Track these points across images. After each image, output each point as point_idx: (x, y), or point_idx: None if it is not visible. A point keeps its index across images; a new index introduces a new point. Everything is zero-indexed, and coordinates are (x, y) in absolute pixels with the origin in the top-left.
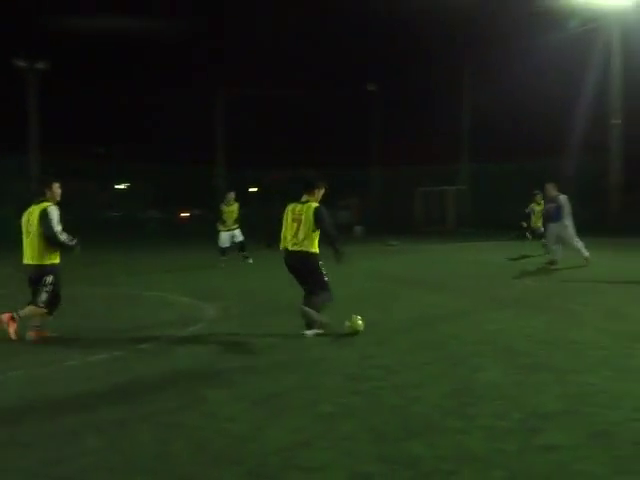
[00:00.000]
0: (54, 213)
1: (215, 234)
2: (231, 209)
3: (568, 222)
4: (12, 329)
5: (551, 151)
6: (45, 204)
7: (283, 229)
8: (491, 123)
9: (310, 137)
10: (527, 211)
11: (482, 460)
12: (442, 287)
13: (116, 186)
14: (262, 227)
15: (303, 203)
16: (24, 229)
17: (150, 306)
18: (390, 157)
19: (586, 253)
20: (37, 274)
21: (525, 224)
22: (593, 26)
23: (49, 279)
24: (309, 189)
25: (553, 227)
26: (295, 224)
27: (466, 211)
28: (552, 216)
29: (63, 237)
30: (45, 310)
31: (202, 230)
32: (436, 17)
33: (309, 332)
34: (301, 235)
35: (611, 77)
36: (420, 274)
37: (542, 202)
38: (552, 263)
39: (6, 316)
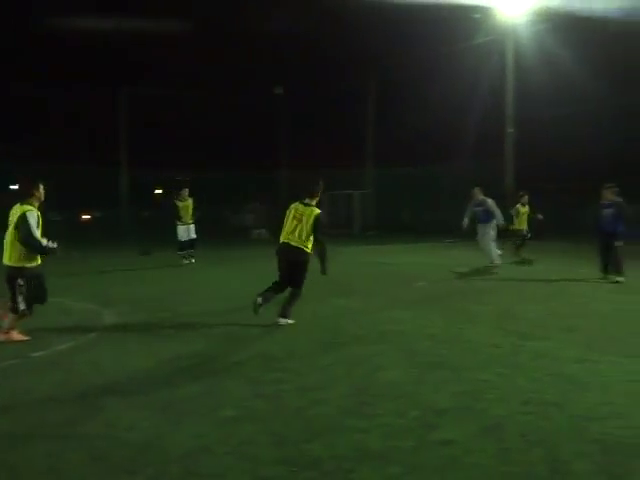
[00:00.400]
0: (33, 218)
1: (173, 229)
2: (186, 204)
3: (493, 225)
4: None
5: (451, 156)
6: (27, 207)
7: (284, 224)
8: (394, 129)
9: (217, 139)
10: (511, 212)
11: (380, 457)
12: (346, 289)
13: (12, 187)
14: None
15: (306, 205)
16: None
17: (46, 312)
18: (298, 160)
19: (497, 261)
20: (11, 275)
21: (509, 226)
22: (491, 38)
23: (21, 281)
24: (312, 193)
25: (482, 229)
26: (295, 222)
27: (371, 214)
28: (481, 218)
29: (41, 242)
30: (28, 313)
31: (104, 232)
32: (343, 23)
33: (282, 320)
34: (298, 233)
35: (506, 88)
36: (324, 276)
37: (526, 204)
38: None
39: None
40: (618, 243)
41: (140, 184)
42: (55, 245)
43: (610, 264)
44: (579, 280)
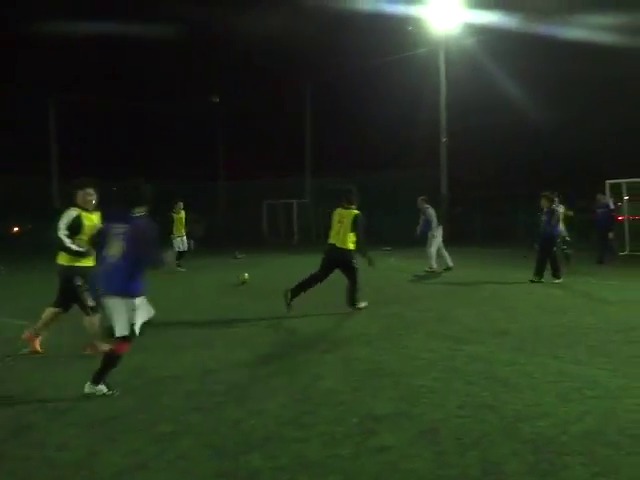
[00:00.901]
0: (66, 217)
1: (169, 241)
2: (180, 217)
3: (437, 232)
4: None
5: (390, 166)
6: (69, 208)
7: (331, 228)
8: (332, 139)
9: (152, 149)
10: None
11: (319, 466)
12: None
13: None
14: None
15: (346, 208)
16: None
17: None
18: (236, 170)
19: (434, 265)
20: (63, 275)
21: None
22: (424, 50)
23: (76, 281)
24: (349, 200)
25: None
26: (339, 225)
27: (309, 224)
28: (423, 227)
29: (66, 241)
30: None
31: (35, 245)
32: (280, 32)
33: (360, 304)
34: (342, 234)
35: (439, 98)
36: (263, 286)
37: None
38: (447, 269)
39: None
40: (557, 247)
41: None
42: (84, 249)
43: (550, 267)
44: (510, 284)
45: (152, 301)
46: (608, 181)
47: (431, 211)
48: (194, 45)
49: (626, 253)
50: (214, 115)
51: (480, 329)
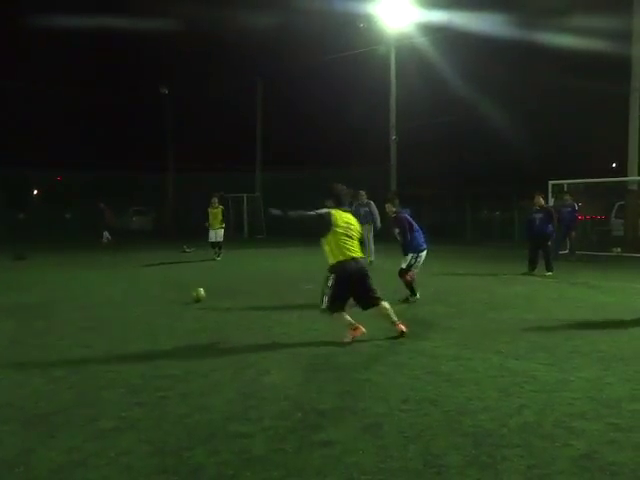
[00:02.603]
0: None
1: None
2: (215, 212)
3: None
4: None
5: (342, 162)
6: None
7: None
8: (284, 133)
9: (101, 139)
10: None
11: (263, 461)
12: (234, 292)
13: None
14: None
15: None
16: None
17: None
18: (186, 163)
19: (372, 257)
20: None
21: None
22: (375, 47)
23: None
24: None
25: (366, 229)
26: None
27: (260, 218)
28: (363, 219)
29: None
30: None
31: None
32: (233, 26)
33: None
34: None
35: (389, 96)
36: (212, 279)
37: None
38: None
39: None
40: (548, 243)
41: (14, 185)
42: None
43: (542, 262)
44: (457, 281)
45: (97, 295)
46: (551, 181)
47: (373, 204)
48: (146, 36)
49: (567, 252)
50: (164, 107)
51: (426, 324)
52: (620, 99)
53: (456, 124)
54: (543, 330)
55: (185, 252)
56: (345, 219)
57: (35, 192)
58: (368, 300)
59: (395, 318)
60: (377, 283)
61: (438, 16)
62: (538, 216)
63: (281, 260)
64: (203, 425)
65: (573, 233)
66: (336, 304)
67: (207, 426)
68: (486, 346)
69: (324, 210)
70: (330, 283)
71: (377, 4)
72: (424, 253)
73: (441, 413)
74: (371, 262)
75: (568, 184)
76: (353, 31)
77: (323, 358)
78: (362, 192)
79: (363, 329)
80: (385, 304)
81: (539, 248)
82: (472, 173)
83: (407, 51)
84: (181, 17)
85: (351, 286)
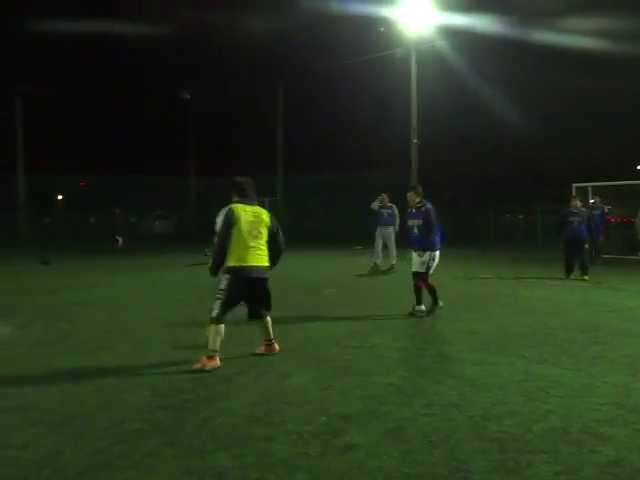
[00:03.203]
0: None
1: None
2: None
3: (381, 232)
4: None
5: (361, 166)
6: None
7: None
8: (304, 137)
9: (123, 145)
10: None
11: (286, 465)
12: None
13: None
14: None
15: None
16: None
17: None
18: (207, 168)
19: (393, 260)
20: None
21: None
22: (396, 51)
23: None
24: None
25: (384, 229)
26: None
27: (281, 222)
28: (384, 221)
29: None
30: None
31: None
32: (254, 32)
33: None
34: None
35: (410, 99)
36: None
37: None
38: (375, 266)
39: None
40: (585, 246)
41: (39, 188)
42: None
43: (579, 266)
44: (480, 284)
45: (121, 298)
46: (575, 184)
47: (394, 207)
48: (167, 42)
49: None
50: (186, 111)
51: (449, 329)
52: None
53: (477, 127)
54: (568, 334)
55: (207, 255)
56: (251, 213)
57: (59, 197)
58: (258, 313)
59: (272, 335)
60: (402, 288)
61: (458, 19)
62: (576, 219)
63: (301, 264)
64: (227, 428)
65: (601, 237)
66: (226, 312)
67: (231, 429)
68: (510, 350)
69: (224, 210)
70: (223, 286)
71: (397, 8)
72: (438, 253)
73: (465, 418)
74: (393, 266)
75: (592, 186)
76: (374, 35)
77: (345, 362)
78: (385, 195)
79: (219, 362)
80: (269, 318)
81: (575, 252)
82: (494, 176)
83: (428, 54)
84: (203, 23)
85: (245, 294)
